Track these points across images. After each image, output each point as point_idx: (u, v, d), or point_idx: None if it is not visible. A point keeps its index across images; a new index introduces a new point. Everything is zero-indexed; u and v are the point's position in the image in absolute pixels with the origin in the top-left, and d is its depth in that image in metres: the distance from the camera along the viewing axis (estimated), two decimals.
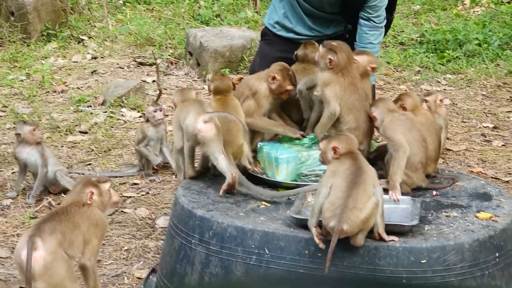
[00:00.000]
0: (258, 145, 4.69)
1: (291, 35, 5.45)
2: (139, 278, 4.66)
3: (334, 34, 5.40)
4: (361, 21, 5.18)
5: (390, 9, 5.33)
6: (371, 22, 5.17)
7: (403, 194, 4.31)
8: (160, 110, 6.21)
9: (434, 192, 4.41)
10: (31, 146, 5.75)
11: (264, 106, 4.70)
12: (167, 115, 7.48)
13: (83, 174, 6.04)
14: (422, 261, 3.77)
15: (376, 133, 4.68)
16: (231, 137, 4.46)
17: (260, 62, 5.44)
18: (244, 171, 4.54)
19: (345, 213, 3.67)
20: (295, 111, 4.90)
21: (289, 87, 4.66)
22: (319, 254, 3.82)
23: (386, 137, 4.41)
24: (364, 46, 5.18)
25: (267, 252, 3.91)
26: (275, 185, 4.45)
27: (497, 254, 3.93)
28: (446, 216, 4.10)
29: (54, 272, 3.81)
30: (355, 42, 5.23)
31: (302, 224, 3.93)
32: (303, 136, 4.67)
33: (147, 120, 6.23)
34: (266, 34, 5.62)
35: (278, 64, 4.74)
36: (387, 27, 5.35)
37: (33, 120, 7.16)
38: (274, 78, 4.66)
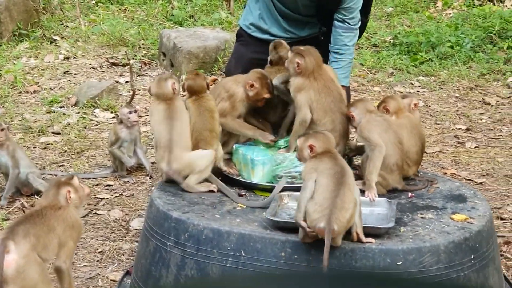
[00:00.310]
0: (234, 147, 4.67)
1: (266, 36, 5.45)
2: (113, 280, 4.63)
3: (309, 36, 5.40)
4: (336, 23, 5.18)
5: (365, 11, 5.35)
6: (346, 24, 5.17)
7: (379, 195, 4.32)
8: (135, 112, 6.17)
9: (409, 194, 4.42)
10: (0, 147, 5.69)
11: (238, 109, 4.68)
12: (141, 116, 7.46)
13: (55, 175, 5.99)
14: (398, 263, 3.78)
15: (352, 134, 4.69)
16: (204, 143, 4.46)
17: (235, 63, 5.43)
18: (219, 173, 4.53)
19: (334, 214, 3.66)
20: (271, 113, 4.89)
21: (266, 95, 4.65)
22: (295, 257, 3.82)
23: (362, 138, 4.41)
24: (338, 48, 5.19)
25: (243, 254, 3.89)
26: (250, 187, 4.44)
27: (472, 256, 3.94)
28: (422, 218, 4.11)
29: (26, 276, 3.78)
30: (329, 44, 5.23)
31: (279, 226, 3.93)
32: (274, 141, 4.66)
33: (121, 122, 6.18)
34: (241, 35, 5.61)
35: (256, 71, 4.71)
36: (362, 29, 5.35)
37: (4, 121, 7.09)
38: (252, 85, 4.64)
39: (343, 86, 5.12)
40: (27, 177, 5.72)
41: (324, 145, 3.93)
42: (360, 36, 5.44)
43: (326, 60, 5.18)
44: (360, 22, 5.26)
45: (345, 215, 3.69)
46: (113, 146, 6.12)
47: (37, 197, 5.69)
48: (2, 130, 5.69)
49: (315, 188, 3.76)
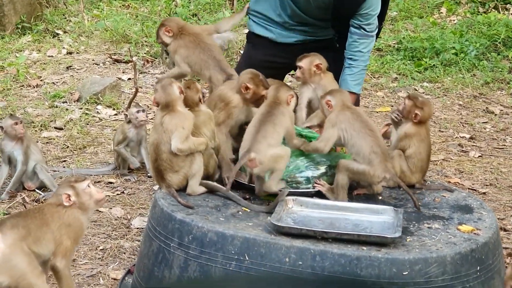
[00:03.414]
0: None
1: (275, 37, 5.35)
2: (114, 279, 4.60)
3: (319, 39, 5.31)
4: (352, 29, 5.10)
5: (381, 17, 5.26)
6: (362, 30, 5.10)
7: (384, 203, 4.30)
8: (143, 111, 6.13)
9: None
10: (15, 141, 5.66)
11: (234, 116, 4.61)
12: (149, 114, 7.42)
13: (57, 171, 5.96)
14: (404, 273, 3.75)
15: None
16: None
17: (245, 66, 5.33)
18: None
19: (254, 145, 4.15)
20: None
21: (264, 92, 4.59)
22: (300, 263, 3.79)
23: (325, 129, 4.41)
24: (352, 54, 5.13)
25: (247, 258, 3.86)
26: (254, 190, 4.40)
27: (478, 268, 3.91)
28: (428, 227, 4.08)
29: (13, 266, 3.76)
30: (345, 50, 5.16)
31: (283, 232, 3.90)
32: None
33: (129, 121, 6.13)
34: (251, 37, 5.53)
35: (246, 72, 4.65)
36: (376, 35, 5.28)
37: (7, 114, 7.05)
38: (247, 88, 4.59)
39: (353, 93, 5.08)
40: (35, 168, 5.68)
41: (273, 96, 4.36)
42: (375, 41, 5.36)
43: (341, 66, 5.14)
44: (377, 29, 5.19)
45: (267, 150, 4.14)
46: (120, 145, 6.08)
47: (39, 191, 5.66)
48: (21, 123, 5.65)
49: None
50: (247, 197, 4.38)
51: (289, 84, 7.05)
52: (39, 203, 5.42)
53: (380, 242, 3.84)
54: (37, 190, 5.69)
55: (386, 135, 4.80)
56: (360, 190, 4.48)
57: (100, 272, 4.68)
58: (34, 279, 3.80)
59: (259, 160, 4.17)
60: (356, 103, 5.15)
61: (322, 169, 4.48)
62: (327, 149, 4.39)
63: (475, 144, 7.05)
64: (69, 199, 3.95)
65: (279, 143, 4.28)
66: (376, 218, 4.13)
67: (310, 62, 4.86)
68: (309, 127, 4.74)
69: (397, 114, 4.70)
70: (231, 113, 4.61)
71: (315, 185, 4.38)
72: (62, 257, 3.93)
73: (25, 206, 5.42)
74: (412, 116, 4.61)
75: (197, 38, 5.03)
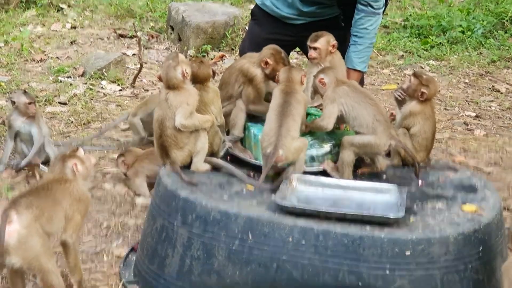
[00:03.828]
0: (247, 124, 4.63)
1: (281, 15, 5.31)
2: (118, 256, 4.60)
3: (327, 17, 5.27)
4: (359, 6, 5.04)
5: None
6: (369, 7, 5.03)
7: (389, 182, 4.29)
8: None
9: (420, 182, 4.37)
10: (25, 117, 5.64)
11: (263, 90, 4.61)
12: (147, 90, 7.41)
13: (60, 145, 5.96)
14: (406, 253, 3.75)
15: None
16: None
17: (249, 43, 5.33)
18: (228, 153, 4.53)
19: (280, 141, 4.11)
20: None
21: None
22: (303, 242, 3.79)
23: (324, 106, 4.40)
24: (358, 31, 5.08)
25: (250, 237, 3.86)
26: (260, 169, 4.38)
27: (480, 248, 3.91)
28: (432, 207, 4.07)
29: (28, 247, 3.76)
30: (351, 28, 5.12)
31: (287, 211, 3.89)
32: None
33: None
34: (256, 13, 5.48)
35: (269, 48, 4.64)
36: (382, 12, 5.22)
37: (11, 88, 7.05)
38: (266, 63, 4.58)
39: (358, 70, 5.05)
40: (43, 142, 5.69)
41: (286, 78, 4.35)
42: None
43: (345, 44, 5.10)
44: (384, 6, 5.14)
45: (291, 144, 4.13)
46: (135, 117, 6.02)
47: (43, 166, 5.65)
48: (34, 103, 5.64)
49: (265, 123, 4.25)
50: (252, 174, 4.37)
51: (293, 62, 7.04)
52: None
53: (383, 222, 3.83)
54: (41, 165, 5.69)
55: (392, 119, 4.79)
56: (364, 169, 4.47)
57: (104, 249, 4.68)
58: (46, 261, 3.82)
59: (285, 156, 4.16)
60: (361, 81, 5.11)
61: (327, 147, 4.47)
62: (330, 126, 4.38)
63: (480, 123, 7.03)
64: (77, 169, 3.99)
65: (299, 134, 4.28)
66: (380, 197, 4.13)
67: (326, 42, 4.83)
68: (316, 106, 4.73)
69: (401, 93, 4.68)
70: (259, 88, 4.60)
71: (321, 165, 4.37)
72: (72, 232, 3.96)
73: (28, 182, 5.43)
74: (418, 94, 4.59)
75: None
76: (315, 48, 4.81)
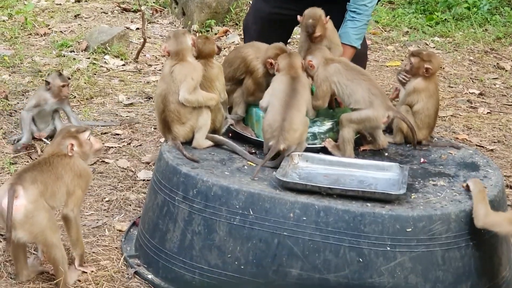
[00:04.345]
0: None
1: None
2: (119, 230, 4.61)
3: None
4: None
5: None
6: None
7: (390, 160, 4.29)
8: None
9: (422, 159, 4.37)
10: (56, 99, 5.66)
11: (263, 84, 4.55)
12: (150, 65, 7.40)
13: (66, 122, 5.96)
14: (407, 230, 3.75)
15: None
16: None
17: (253, 18, 5.28)
18: (231, 130, 4.53)
19: (282, 135, 4.10)
20: None
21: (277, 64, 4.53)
22: (304, 218, 3.79)
23: (317, 87, 4.39)
24: (357, 8, 5.00)
25: (252, 213, 3.86)
26: (261, 145, 4.38)
27: None
28: (434, 185, 4.07)
29: (35, 222, 3.78)
30: (348, 3, 5.08)
31: (288, 187, 3.89)
32: None
33: None
34: None
35: (275, 47, 4.57)
36: None
37: (14, 63, 7.04)
38: (271, 64, 4.52)
39: (353, 47, 5.02)
40: (52, 116, 5.74)
41: (287, 66, 4.30)
42: None
43: (341, 21, 5.06)
44: None
45: (294, 135, 4.12)
46: None
47: (46, 141, 5.65)
48: (68, 85, 5.70)
49: (268, 108, 4.21)
50: (253, 151, 4.37)
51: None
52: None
53: (384, 199, 3.83)
54: (44, 140, 5.69)
55: (397, 95, 4.77)
56: (366, 146, 4.46)
57: (106, 223, 4.69)
58: (51, 235, 3.84)
59: (287, 147, 4.15)
60: (364, 58, 5.08)
61: (328, 124, 4.47)
62: (325, 105, 4.40)
63: (484, 101, 7.00)
64: (72, 149, 3.99)
65: (303, 116, 4.27)
66: (382, 175, 4.12)
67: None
68: None
69: (404, 75, 4.66)
70: (259, 82, 4.56)
71: (323, 143, 4.37)
72: (74, 206, 3.98)
73: (30, 157, 5.43)
74: (423, 71, 4.56)
75: None
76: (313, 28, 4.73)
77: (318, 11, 4.73)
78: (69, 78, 6.84)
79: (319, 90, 4.36)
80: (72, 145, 3.99)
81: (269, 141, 4.17)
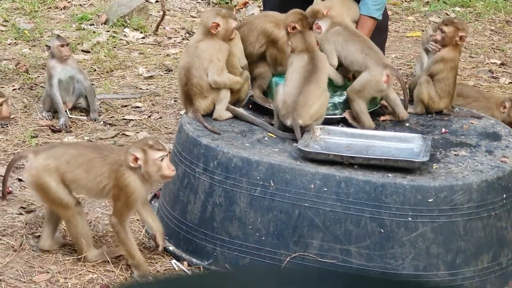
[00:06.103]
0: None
1: None
2: None
3: None
4: None
5: None
6: None
7: (412, 131, 4.26)
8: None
9: (443, 130, 4.35)
10: (62, 64, 5.63)
11: (287, 52, 4.56)
12: (170, 38, 7.37)
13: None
14: (429, 200, 3.74)
15: None
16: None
17: None
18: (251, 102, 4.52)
19: (296, 111, 4.04)
20: None
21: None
22: (325, 189, 3.79)
23: (323, 49, 4.38)
24: None
25: (272, 184, 3.86)
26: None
27: (504, 196, 3.89)
28: (455, 155, 4.05)
29: (38, 189, 3.94)
30: None
31: (309, 157, 3.88)
32: None
33: None
34: None
35: (296, 12, 4.57)
36: None
37: (34, 36, 7.05)
38: (294, 28, 4.51)
39: (373, 18, 4.98)
40: (74, 83, 5.69)
41: (302, 44, 4.22)
42: None
43: None
44: None
45: (309, 111, 4.05)
46: None
47: (69, 114, 5.64)
48: (67, 45, 5.64)
49: (286, 83, 4.17)
50: (273, 123, 4.36)
51: None
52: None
53: (407, 167, 3.81)
54: (67, 111, 5.64)
55: None
56: (387, 116, 4.44)
57: None
58: (62, 211, 3.98)
59: (303, 122, 4.10)
60: (385, 29, 5.04)
61: None
62: (336, 62, 4.37)
63: (505, 70, 6.94)
64: (136, 162, 3.81)
65: (323, 89, 4.23)
66: (404, 146, 4.10)
67: None
68: None
69: (436, 46, 4.64)
70: (284, 49, 4.54)
71: (343, 114, 4.35)
72: (113, 216, 3.89)
73: (52, 130, 5.44)
74: (457, 40, 4.55)
75: None
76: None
77: None
78: (89, 52, 6.86)
79: (326, 50, 4.37)
80: (137, 158, 3.79)
81: (283, 118, 4.12)
